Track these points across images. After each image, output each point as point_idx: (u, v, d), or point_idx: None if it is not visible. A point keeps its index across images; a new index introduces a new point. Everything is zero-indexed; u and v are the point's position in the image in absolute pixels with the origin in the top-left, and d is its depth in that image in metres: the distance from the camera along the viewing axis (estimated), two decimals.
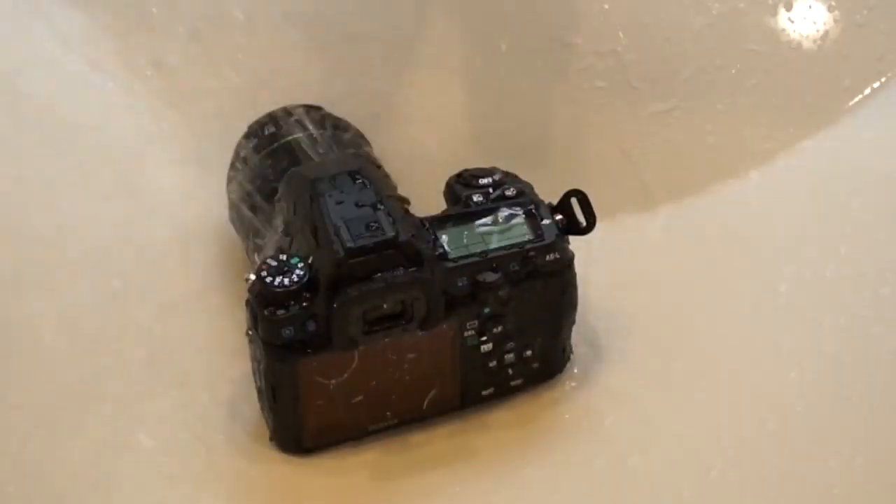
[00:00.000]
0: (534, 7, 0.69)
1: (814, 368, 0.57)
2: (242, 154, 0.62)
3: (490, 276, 0.52)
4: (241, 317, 0.53)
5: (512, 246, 0.53)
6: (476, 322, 0.53)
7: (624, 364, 0.58)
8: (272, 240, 0.56)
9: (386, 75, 0.70)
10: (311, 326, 0.51)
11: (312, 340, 0.51)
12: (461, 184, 0.56)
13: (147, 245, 0.63)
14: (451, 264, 0.52)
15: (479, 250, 0.53)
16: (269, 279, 0.51)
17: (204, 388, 0.57)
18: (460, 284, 0.52)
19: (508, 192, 0.55)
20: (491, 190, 0.55)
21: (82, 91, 0.69)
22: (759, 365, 0.57)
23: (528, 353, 0.55)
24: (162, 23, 0.71)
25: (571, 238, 0.55)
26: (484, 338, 0.54)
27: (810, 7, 0.69)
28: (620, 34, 0.69)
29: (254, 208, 0.60)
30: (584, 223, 0.55)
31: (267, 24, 0.71)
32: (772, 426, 0.55)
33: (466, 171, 0.57)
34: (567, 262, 0.54)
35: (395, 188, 0.57)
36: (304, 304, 0.50)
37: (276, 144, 0.61)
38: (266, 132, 0.62)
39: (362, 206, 0.52)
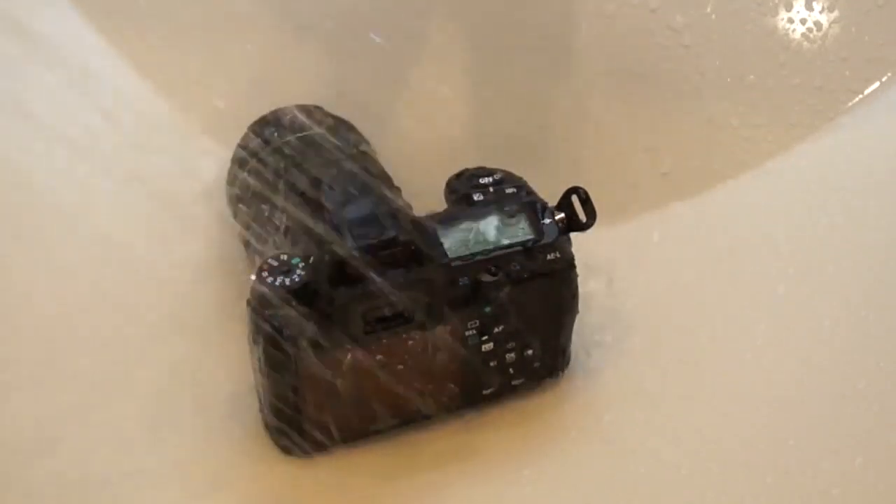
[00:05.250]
0: (534, 7, 0.69)
1: (815, 368, 0.57)
2: (243, 154, 0.62)
3: (491, 276, 0.52)
4: (241, 317, 0.53)
5: (513, 245, 0.53)
6: (477, 321, 0.53)
7: (624, 364, 0.58)
8: (273, 240, 0.56)
9: (386, 75, 0.70)
10: (312, 326, 0.51)
11: (313, 341, 0.51)
12: (462, 183, 0.56)
13: (147, 246, 0.63)
14: (451, 264, 0.52)
15: (479, 249, 0.53)
16: (269, 279, 0.51)
17: (205, 388, 0.57)
18: (461, 284, 0.52)
19: (509, 192, 0.55)
20: (491, 189, 0.55)
21: (83, 92, 0.69)
22: (759, 365, 0.57)
23: (529, 352, 0.55)
24: (162, 23, 0.71)
25: (573, 238, 0.55)
26: (485, 337, 0.54)
27: (810, 7, 0.69)
28: (620, 34, 0.69)
29: (254, 208, 0.60)
30: (585, 220, 0.55)
31: (267, 24, 0.71)
32: (772, 426, 0.55)
33: (467, 170, 0.57)
34: (568, 261, 0.54)
35: (395, 188, 0.57)
36: (305, 304, 0.50)
37: (276, 144, 0.61)
38: (266, 132, 0.62)
39: (363, 205, 0.52)
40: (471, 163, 0.57)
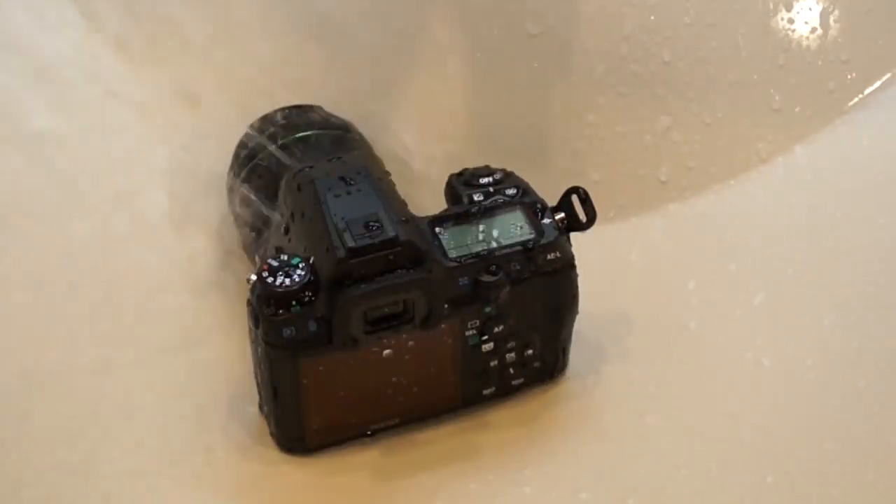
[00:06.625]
0: (534, 7, 0.69)
1: (814, 368, 0.57)
2: (243, 154, 0.62)
3: (491, 276, 0.52)
4: (242, 317, 0.53)
5: (513, 245, 0.53)
6: (477, 321, 0.53)
7: (624, 364, 0.58)
8: (273, 240, 0.56)
9: (386, 75, 0.70)
10: (313, 326, 0.51)
11: (314, 340, 0.51)
12: (462, 183, 0.56)
13: (147, 245, 0.63)
14: (451, 264, 0.52)
15: (479, 249, 0.53)
16: (270, 279, 0.51)
17: (205, 387, 0.57)
18: (461, 284, 0.52)
19: (509, 191, 0.55)
20: (491, 189, 0.55)
21: (85, 93, 0.69)
22: (759, 365, 0.58)
23: (529, 352, 0.55)
24: (163, 24, 0.71)
25: (573, 238, 0.55)
26: (485, 337, 0.54)
27: (810, 7, 0.69)
28: (621, 34, 0.69)
29: (254, 209, 0.60)
30: (585, 220, 0.55)
31: (267, 24, 0.71)
32: (772, 426, 0.55)
33: (467, 170, 0.57)
34: (568, 261, 0.54)
35: (395, 188, 0.57)
36: (306, 304, 0.50)
37: (276, 144, 0.61)
38: (266, 132, 0.62)
39: (363, 205, 0.52)
40: (471, 163, 0.57)
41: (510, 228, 0.54)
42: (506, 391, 0.56)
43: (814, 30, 0.69)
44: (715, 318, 0.60)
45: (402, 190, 0.56)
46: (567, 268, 0.54)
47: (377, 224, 0.51)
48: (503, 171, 0.57)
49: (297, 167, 0.57)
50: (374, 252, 0.50)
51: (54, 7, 0.72)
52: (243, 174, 0.61)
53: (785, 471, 0.53)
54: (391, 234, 0.51)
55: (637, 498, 0.53)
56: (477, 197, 0.55)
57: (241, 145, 0.63)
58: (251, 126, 0.63)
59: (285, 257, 0.51)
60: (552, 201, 0.55)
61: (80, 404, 0.56)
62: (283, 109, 0.63)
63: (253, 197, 0.60)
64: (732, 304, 0.61)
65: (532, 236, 0.54)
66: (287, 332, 0.50)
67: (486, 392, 0.56)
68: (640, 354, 0.59)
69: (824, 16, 0.69)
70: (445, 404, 0.56)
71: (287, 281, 0.50)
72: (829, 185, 0.66)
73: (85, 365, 0.58)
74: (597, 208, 0.55)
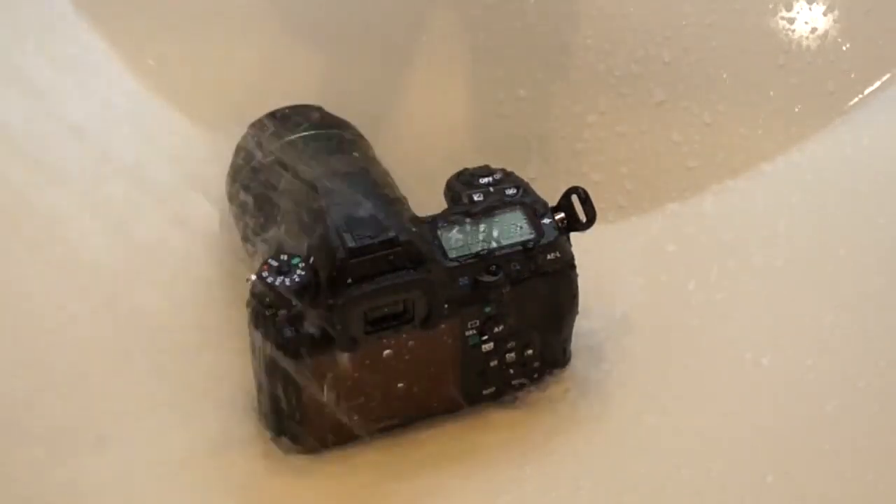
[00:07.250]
0: (534, 7, 0.69)
1: (815, 368, 0.57)
2: (243, 154, 0.62)
3: (491, 276, 0.52)
4: (241, 317, 0.53)
5: (513, 245, 0.53)
6: (477, 321, 0.53)
7: (624, 364, 0.58)
8: (273, 240, 0.56)
9: (386, 75, 0.70)
10: (312, 326, 0.51)
11: (313, 340, 0.51)
12: (462, 183, 0.56)
13: (147, 245, 0.63)
14: (451, 264, 0.52)
15: (479, 249, 0.53)
16: (270, 279, 0.51)
17: (204, 388, 0.57)
18: (461, 284, 0.52)
19: (509, 191, 0.55)
20: (491, 189, 0.55)
21: (85, 90, 0.69)
22: (759, 365, 0.57)
23: (530, 352, 0.55)
24: (163, 22, 0.71)
25: (573, 238, 0.55)
26: (485, 337, 0.54)
27: (810, 7, 0.69)
28: (620, 34, 0.69)
29: (255, 208, 0.60)
30: (585, 220, 0.55)
31: (267, 24, 0.71)
32: (772, 426, 0.55)
33: (467, 170, 0.57)
34: (568, 261, 0.54)
35: (395, 188, 0.57)
36: (306, 303, 0.50)
37: (276, 144, 0.61)
38: (267, 132, 0.62)
39: (363, 206, 0.52)
40: (471, 163, 0.57)
41: (510, 228, 0.54)
42: (506, 391, 0.56)
43: (814, 30, 0.69)
44: (715, 318, 0.60)
45: (402, 190, 0.56)
46: (567, 268, 0.54)
47: (377, 224, 0.51)
48: (503, 171, 0.57)
49: (296, 167, 0.57)
50: (374, 252, 0.50)
51: (50, 5, 0.72)
52: (243, 174, 0.61)
53: (785, 471, 0.53)
54: (391, 234, 0.51)
55: (637, 497, 0.53)
56: (477, 197, 0.55)
57: (241, 146, 0.63)
58: (251, 126, 0.63)
59: (285, 257, 0.51)
60: (552, 201, 0.55)
61: (80, 406, 0.56)
62: (282, 109, 0.63)
63: (252, 197, 0.60)
64: (732, 304, 0.60)
65: (532, 236, 0.54)
66: (286, 332, 0.50)
67: (485, 392, 0.56)
68: (640, 354, 0.59)
69: (824, 16, 0.69)
70: (445, 404, 0.56)
71: (287, 281, 0.50)
72: (829, 185, 0.66)
73: (84, 366, 0.58)
74: (597, 208, 0.55)
